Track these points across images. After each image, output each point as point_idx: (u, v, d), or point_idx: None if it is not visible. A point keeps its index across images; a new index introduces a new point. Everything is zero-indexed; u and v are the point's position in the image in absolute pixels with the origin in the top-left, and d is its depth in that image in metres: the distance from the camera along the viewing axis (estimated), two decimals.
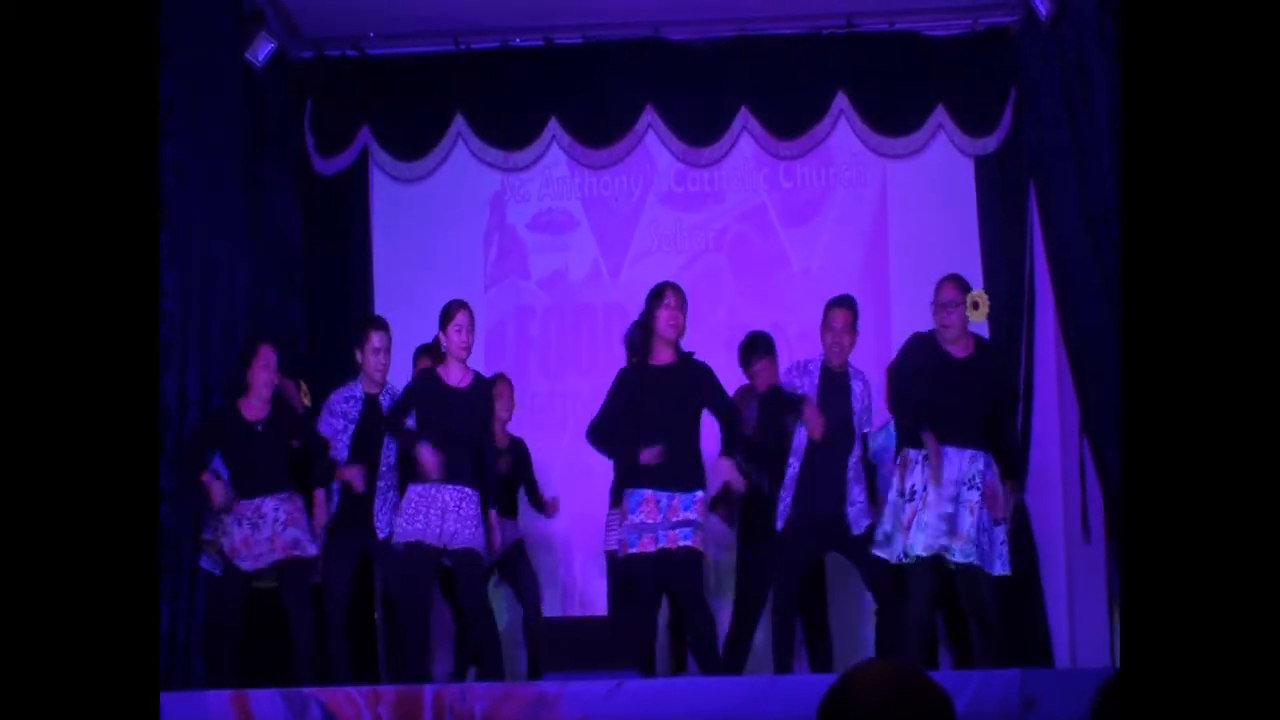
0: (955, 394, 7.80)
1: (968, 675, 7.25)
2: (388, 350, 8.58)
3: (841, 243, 10.32)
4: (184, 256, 8.98)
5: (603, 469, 8.93)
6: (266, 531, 8.20)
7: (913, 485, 7.80)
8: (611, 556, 8.63)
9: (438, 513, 8.02)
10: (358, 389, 8.59)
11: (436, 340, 8.25)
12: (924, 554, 7.72)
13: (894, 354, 9.03)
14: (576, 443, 8.81)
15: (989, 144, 10.04)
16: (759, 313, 9.96)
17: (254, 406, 8.36)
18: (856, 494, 8.18)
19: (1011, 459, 8.11)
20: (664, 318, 8.02)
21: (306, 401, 9.01)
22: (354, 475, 8.41)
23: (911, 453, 7.89)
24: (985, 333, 8.89)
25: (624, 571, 8.19)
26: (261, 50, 9.74)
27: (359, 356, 8.57)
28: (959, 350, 7.94)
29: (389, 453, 8.51)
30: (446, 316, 8.17)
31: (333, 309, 10.04)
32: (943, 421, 7.78)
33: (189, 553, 8.67)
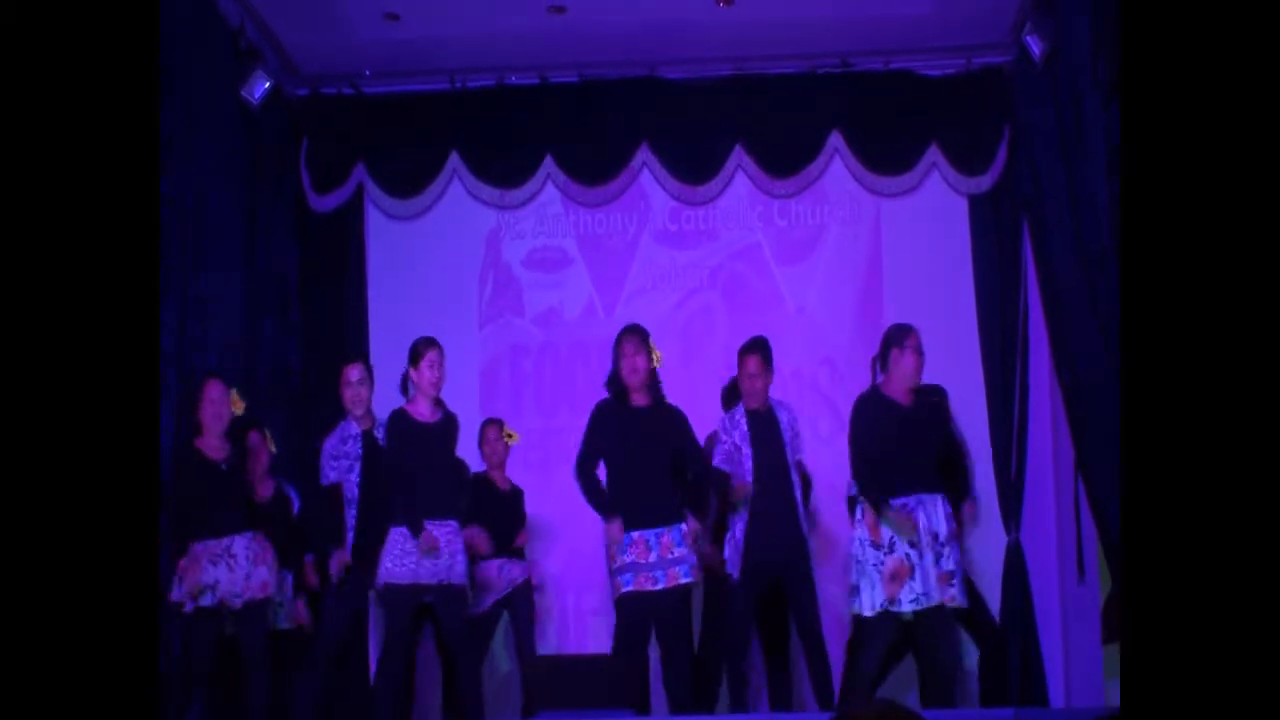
0: (910, 441, 7.86)
1: (961, 715, 7.24)
2: (364, 382, 8.56)
3: (836, 281, 10.34)
4: (179, 292, 8.98)
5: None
6: (242, 570, 8.13)
7: (890, 538, 7.77)
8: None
9: (418, 549, 7.99)
10: (352, 427, 8.54)
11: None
12: (891, 608, 7.72)
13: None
14: (571, 480, 8.81)
15: (983, 183, 10.07)
16: None
17: (212, 445, 8.29)
18: (801, 523, 8.31)
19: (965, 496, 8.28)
20: (625, 367, 8.20)
21: (272, 449, 8.94)
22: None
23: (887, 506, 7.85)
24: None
25: (621, 610, 8.18)
26: (258, 88, 9.76)
27: (341, 393, 8.57)
28: (905, 399, 7.96)
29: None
30: (416, 354, 8.18)
31: (328, 345, 10.03)
32: (906, 470, 7.83)
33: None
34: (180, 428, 8.62)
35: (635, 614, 8.01)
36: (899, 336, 8.01)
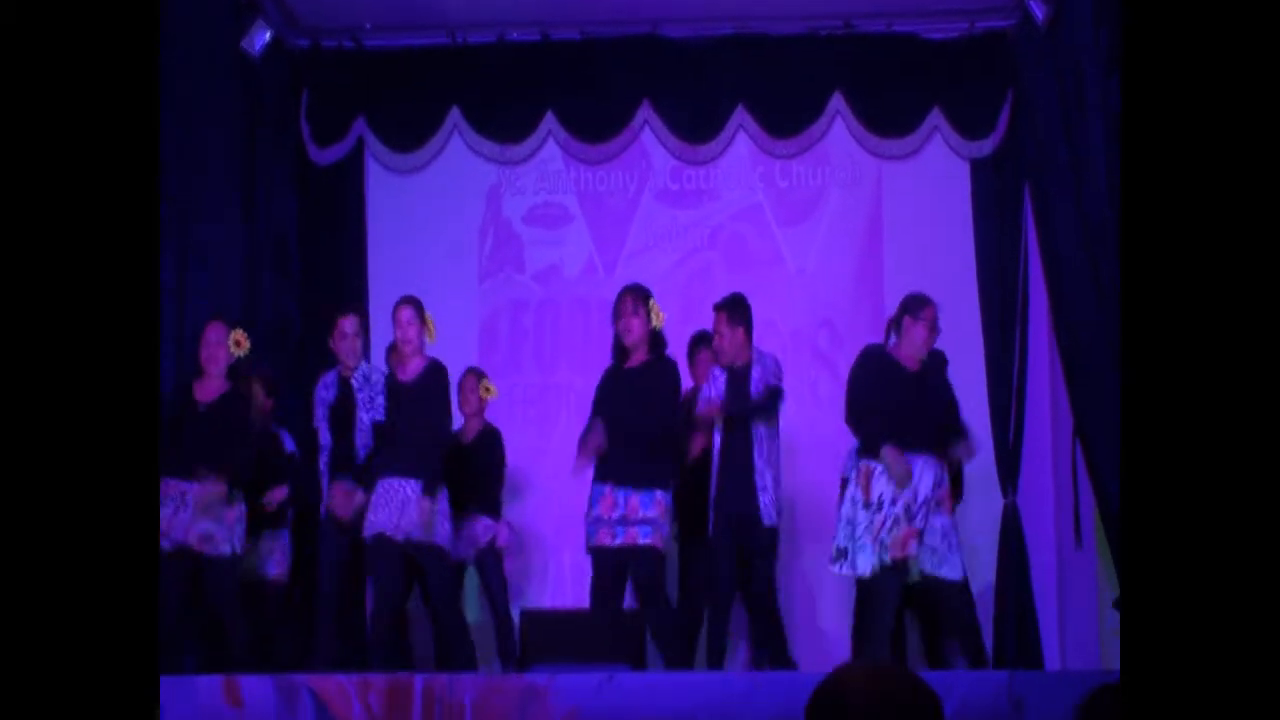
0: (911, 403, 7.82)
1: (956, 676, 7.27)
2: (359, 334, 8.63)
3: (836, 242, 10.33)
4: (179, 244, 9.00)
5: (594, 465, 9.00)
6: (185, 517, 8.10)
7: (880, 495, 7.69)
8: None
9: (398, 505, 8.12)
10: (333, 374, 8.68)
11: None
12: (888, 563, 7.65)
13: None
14: (568, 437, 8.83)
15: (985, 147, 10.06)
16: (753, 311, 9.96)
17: (205, 388, 8.31)
18: (768, 480, 8.24)
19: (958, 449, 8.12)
20: (619, 328, 8.38)
21: (266, 397, 8.96)
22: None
23: (873, 464, 7.75)
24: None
25: (592, 563, 8.33)
26: (258, 39, 9.75)
27: (331, 343, 8.65)
28: (912, 364, 7.93)
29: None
30: (394, 315, 8.40)
31: (327, 299, 10.04)
32: (901, 430, 7.75)
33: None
34: (179, 371, 8.67)
35: (600, 568, 8.20)
36: (914, 307, 7.94)
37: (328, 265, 10.36)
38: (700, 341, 9.04)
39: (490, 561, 9.07)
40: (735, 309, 8.52)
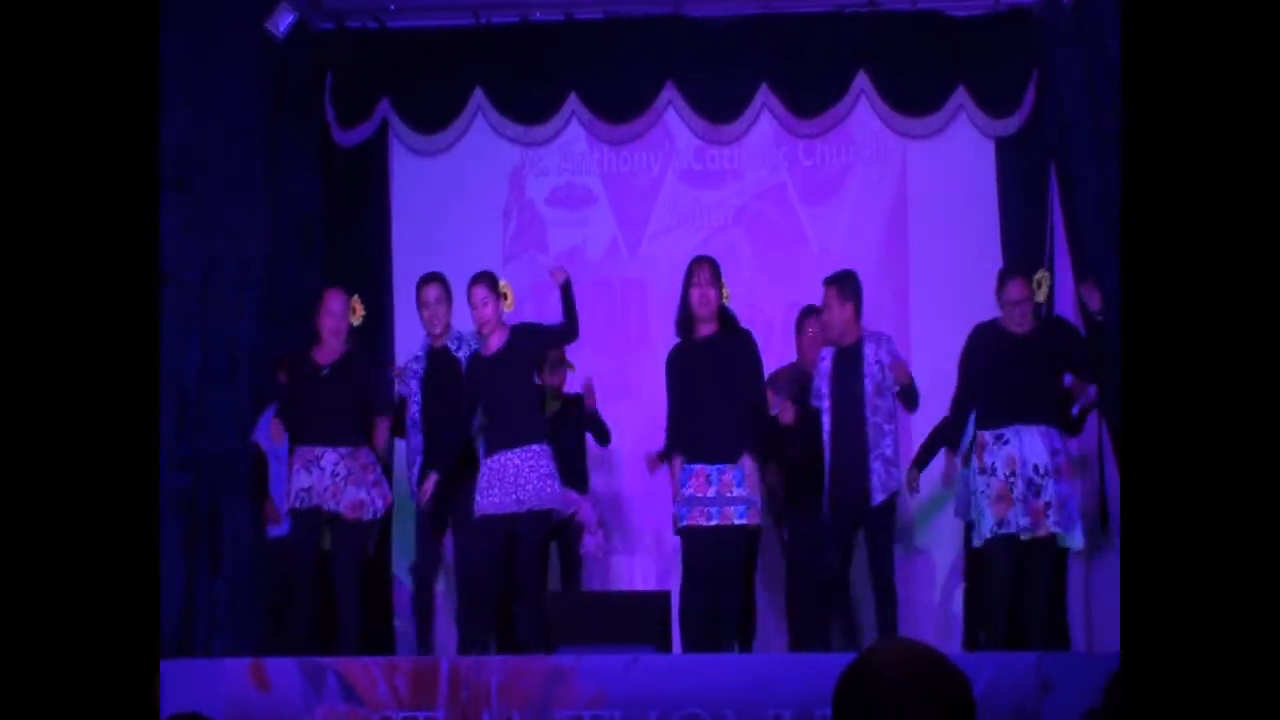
0: (1020, 372, 7.95)
1: (984, 658, 7.27)
2: (441, 301, 8.58)
3: (861, 222, 10.30)
4: (203, 226, 9.01)
5: (619, 446, 9.02)
6: (326, 482, 8.18)
7: (992, 463, 7.94)
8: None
9: (511, 480, 8.09)
10: (421, 345, 8.73)
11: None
12: (1001, 530, 7.87)
13: (912, 334, 9.11)
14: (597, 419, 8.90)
15: (1010, 125, 10.00)
16: (777, 291, 9.96)
17: (324, 352, 8.40)
18: (874, 462, 8.20)
19: (1073, 426, 8.30)
20: (695, 296, 8.14)
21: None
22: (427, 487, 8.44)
23: (985, 435, 8.01)
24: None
25: (682, 544, 8.21)
26: (283, 21, 9.74)
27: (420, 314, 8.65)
28: (1021, 328, 8.07)
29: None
30: (467, 296, 8.34)
31: (351, 281, 10.03)
32: (1010, 401, 7.94)
33: (210, 519, 8.72)
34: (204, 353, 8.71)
35: (693, 549, 8.03)
36: (1002, 277, 8.24)
37: (351, 247, 10.35)
38: (809, 314, 8.96)
39: (570, 538, 9.02)
40: (846, 284, 8.46)
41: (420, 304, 8.62)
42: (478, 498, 8.13)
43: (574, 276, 10.27)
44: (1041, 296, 8.17)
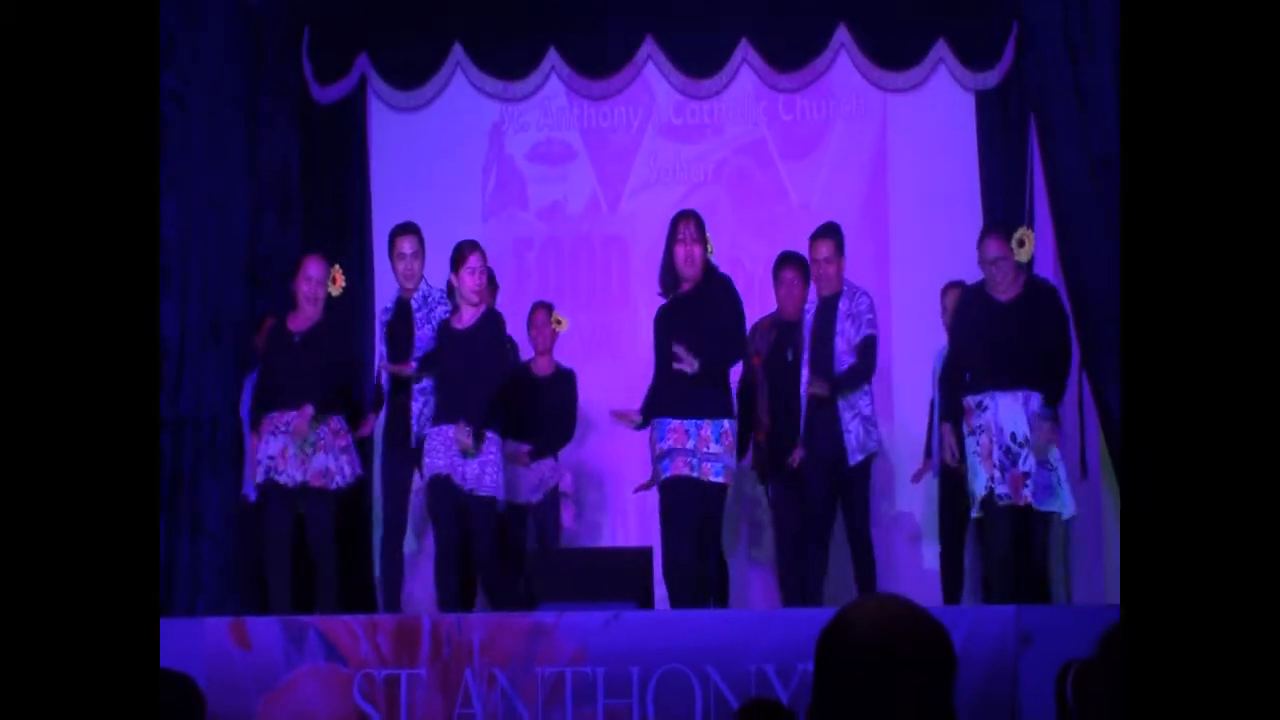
0: (1004, 338, 7.82)
1: (962, 611, 7.31)
2: (417, 255, 8.49)
3: (841, 176, 10.29)
4: (183, 185, 8.98)
5: (598, 403, 9.01)
6: (295, 449, 8.09)
7: (978, 424, 7.85)
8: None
9: (456, 452, 8.02)
10: (393, 296, 8.66)
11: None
12: (983, 494, 7.77)
13: (892, 289, 9.11)
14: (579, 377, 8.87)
15: (990, 79, 9.97)
16: (758, 245, 9.95)
17: (298, 319, 8.32)
18: (847, 420, 8.21)
19: (1051, 394, 7.98)
20: (680, 254, 7.95)
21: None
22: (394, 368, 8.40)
23: (969, 400, 7.92)
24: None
25: (665, 496, 7.96)
26: None
27: (392, 265, 8.57)
28: (1006, 294, 7.95)
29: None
30: (459, 258, 8.22)
31: (331, 239, 10.02)
32: (994, 367, 7.82)
33: (191, 481, 8.70)
34: (184, 315, 8.67)
35: (679, 498, 7.79)
36: (982, 237, 8.12)
37: (331, 205, 10.32)
38: (787, 262, 8.80)
39: (550, 506, 8.95)
40: (841, 237, 8.47)
41: (397, 255, 8.53)
42: (426, 459, 8.12)
43: (554, 232, 10.31)
44: (1024, 256, 8.01)
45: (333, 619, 7.31)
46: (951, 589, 8.58)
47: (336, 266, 8.48)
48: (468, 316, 8.24)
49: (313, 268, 8.37)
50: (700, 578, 7.80)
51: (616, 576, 7.57)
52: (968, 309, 8.07)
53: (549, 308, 9.18)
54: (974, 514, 7.92)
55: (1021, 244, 8.00)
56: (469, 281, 8.19)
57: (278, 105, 10.04)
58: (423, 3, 10.33)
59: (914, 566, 9.52)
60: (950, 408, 8.10)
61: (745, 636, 6.99)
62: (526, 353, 9.11)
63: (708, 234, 8.08)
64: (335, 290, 8.41)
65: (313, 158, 10.30)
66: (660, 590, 7.88)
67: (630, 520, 9.77)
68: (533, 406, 8.77)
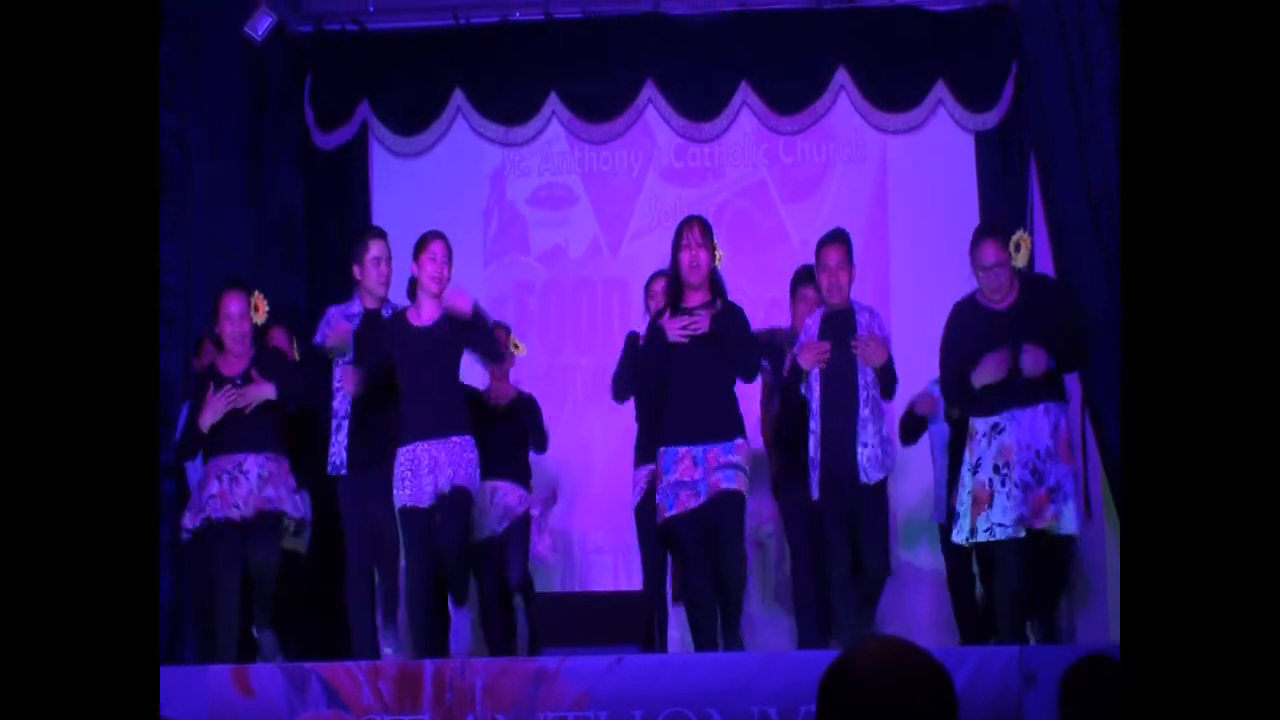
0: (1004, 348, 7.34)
1: (966, 652, 7.26)
2: (388, 261, 8.16)
3: (841, 218, 10.21)
4: (185, 229, 9.01)
5: (602, 445, 8.97)
6: (244, 488, 7.85)
7: (979, 458, 7.39)
8: (641, 514, 8.16)
9: (428, 471, 7.61)
10: (356, 305, 8.23)
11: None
12: (1006, 531, 7.28)
13: (893, 330, 9.08)
14: (576, 418, 8.83)
15: (990, 119, 10.02)
16: (758, 288, 9.94)
17: (230, 362, 8.01)
18: (868, 436, 7.68)
19: (1064, 360, 7.49)
20: (685, 260, 7.58)
21: (295, 350, 8.61)
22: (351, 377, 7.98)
23: (978, 424, 7.46)
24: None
25: (665, 535, 7.76)
26: (261, 24, 9.75)
27: (357, 271, 8.19)
28: (1003, 301, 7.48)
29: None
30: (420, 246, 7.74)
31: (333, 283, 10.02)
32: (1004, 384, 7.32)
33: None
34: (202, 344, 8.53)
35: (682, 536, 7.54)
36: (974, 239, 7.56)
37: (333, 249, 10.32)
38: (805, 279, 8.45)
39: (518, 536, 8.62)
40: (850, 243, 7.96)
41: (373, 260, 8.11)
42: (395, 489, 7.64)
43: (555, 276, 10.32)
44: (1020, 260, 7.53)
45: (335, 665, 7.29)
46: (967, 625, 8.48)
47: (257, 293, 8.05)
48: (428, 312, 7.75)
49: (233, 304, 7.96)
50: (645, 617, 7.57)
51: (619, 620, 7.54)
52: (962, 321, 7.59)
53: (507, 330, 8.81)
54: (964, 538, 7.47)
55: (1018, 248, 7.53)
56: (429, 268, 7.65)
57: (280, 150, 10.11)
58: (424, 49, 10.40)
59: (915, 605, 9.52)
60: (966, 400, 7.59)
61: (748, 679, 6.96)
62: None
63: (715, 240, 7.75)
64: (259, 319, 8.02)
65: (315, 202, 10.34)
66: (674, 633, 7.80)
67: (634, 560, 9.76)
68: (488, 434, 8.17)
